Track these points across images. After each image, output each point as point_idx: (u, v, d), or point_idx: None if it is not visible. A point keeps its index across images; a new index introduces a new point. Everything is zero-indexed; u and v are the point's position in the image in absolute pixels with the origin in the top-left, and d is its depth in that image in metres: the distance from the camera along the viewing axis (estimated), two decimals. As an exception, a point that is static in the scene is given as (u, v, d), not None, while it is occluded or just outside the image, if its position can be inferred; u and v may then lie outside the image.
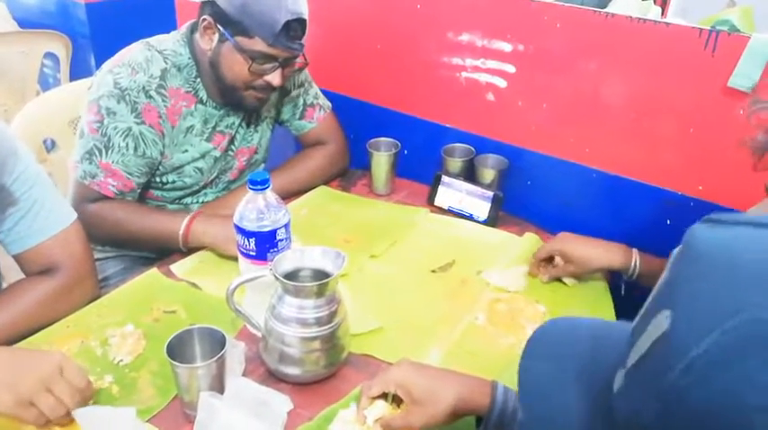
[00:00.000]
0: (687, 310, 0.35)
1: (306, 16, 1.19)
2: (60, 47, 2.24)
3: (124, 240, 1.28)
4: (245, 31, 1.17)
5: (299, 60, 1.28)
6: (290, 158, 1.50)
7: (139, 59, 1.23)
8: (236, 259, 1.06)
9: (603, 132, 1.27)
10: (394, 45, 1.50)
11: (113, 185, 1.22)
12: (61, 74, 2.29)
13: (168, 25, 1.51)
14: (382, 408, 0.83)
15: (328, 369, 0.93)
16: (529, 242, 1.30)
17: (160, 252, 1.31)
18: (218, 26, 1.20)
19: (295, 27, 1.19)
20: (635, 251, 1.14)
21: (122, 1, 2.33)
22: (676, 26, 1.13)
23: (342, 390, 0.93)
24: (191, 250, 1.23)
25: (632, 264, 1.13)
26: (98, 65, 2.03)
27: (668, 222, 1.25)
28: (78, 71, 2.30)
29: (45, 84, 2.40)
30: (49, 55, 2.29)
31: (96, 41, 2.29)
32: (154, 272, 1.17)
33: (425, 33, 1.43)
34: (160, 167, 1.29)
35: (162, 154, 1.27)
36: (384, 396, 0.85)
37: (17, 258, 1.03)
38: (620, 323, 0.49)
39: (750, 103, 1.07)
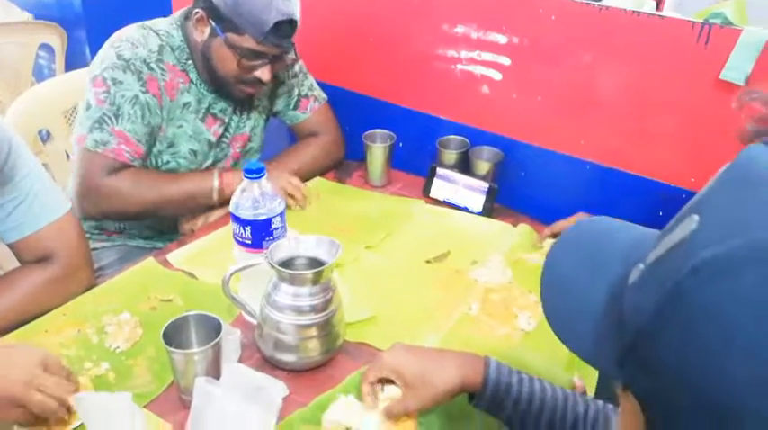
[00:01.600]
0: (714, 216, 0.35)
1: (296, 17, 1.21)
2: (56, 38, 2.24)
3: (156, 206, 1.27)
4: (236, 28, 1.19)
5: (291, 56, 1.30)
6: (285, 149, 1.51)
7: (137, 36, 1.26)
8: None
9: (597, 124, 1.28)
10: (389, 37, 1.51)
11: (128, 152, 1.23)
12: (56, 65, 2.28)
13: (163, 16, 1.52)
14: (394, 390, 0.83)
15: (323, 356, 0.94)
16: (523, 233, 1.31)
17: (161, 232, 1.37)
18: (210, 21, 1.22)
19: (284, 27, 1.20)
20: None
21: (118, -8, 2.32)
22: (670, 19, 1.14)
23: (336, 378, 0.94)
24: (222, 204, 1.29)
25: None
26: (93, 56, 2.02)
27: (660, 214, 1.26)
28: (73, 62, 2.29)
29: (40, 75, 2.40)
30: (44, 46, 2.28)
31: (91, 33, 2.29)
32: (150, 261, 1.18)
33: (420, 25, 1.44)
34: (157, 143, 1.31)
35: (159, 126, 1.29)
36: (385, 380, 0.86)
37: (13, 247, 1.03)
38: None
39: (741, 95, 1.08)
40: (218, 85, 1.31)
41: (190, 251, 1.22)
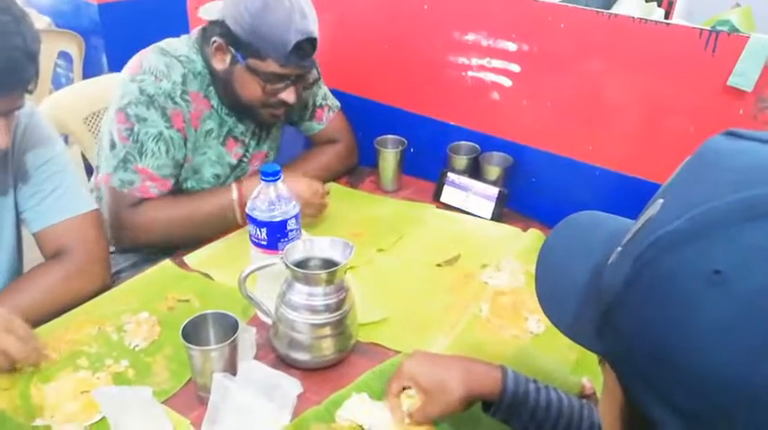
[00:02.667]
0: (673, 198, 0.40)
1: (315, 34, 1.20)
2: (74, 46, 2.29)
3: (181, 232, 1.25)
4: (257, 53, 1.18)
5: (314, 74, 1.29)
6: (300, 155, 1.53)
7: (160, 66, 1.22)
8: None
9: (606, 130, 1.30)
10: (401, 45, 1.53)
11: (154, 187, 1.22)
12: (74, 73, 2.33)
13: (180, 25, 1.54)
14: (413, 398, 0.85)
15: (337, 355, 0.96)
16: (533, 237, 1.33)
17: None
18: (230, 48, 1.20)
19: (305, 46, 1.19)
20: None
21: (134, 1, 2.38)
22: (677, 26, 1.16)
23: (350, 376, 0.96)
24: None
25: None
26: (110, 64, 2.06)
27: (669, 219, 1.27)
28: (90, 70, 2.34)
29: (57, 83, 2.45)
30: (63, 54, 2.33)
31: (108, 41, 2.34)
32: (167, 263, 1.21)
33: (432, 33, 1.47)
34: (182, 172, 1.30)
35: (185, 157, 1.28)
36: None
37: (36, 237, 1.09)
38: None
39: (757, 101, 1.10)
40: (242, 110, 1.30)
41: (206, 253, 1.25)
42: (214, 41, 1.21)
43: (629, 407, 0.42)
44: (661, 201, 0.41)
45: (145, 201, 1.22)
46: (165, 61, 1.23)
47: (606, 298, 0.42)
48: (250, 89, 1.24)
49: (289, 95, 1.25)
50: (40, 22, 2.45)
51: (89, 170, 1.62)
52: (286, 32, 1.16)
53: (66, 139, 1.76)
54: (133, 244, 1.27)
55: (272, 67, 1.20)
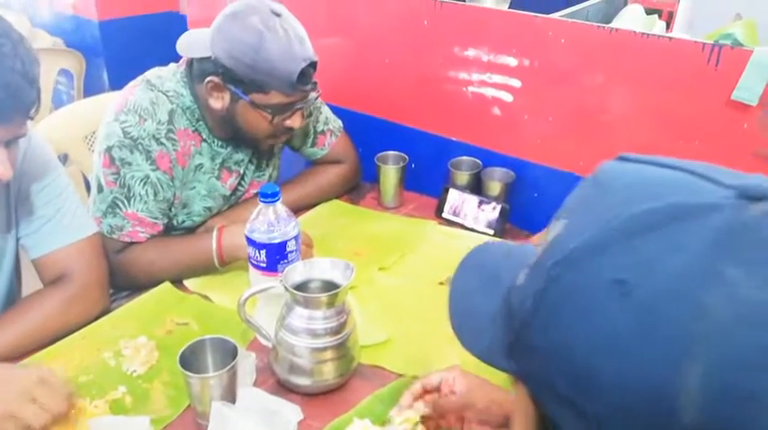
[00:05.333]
0: (574, 219, 0.42)
1: (315, 57, 1.17)
2: (75, 64, 2.29)
3: (164, 276, 1.21)
4: (260, 87, 1.15)
5: (314, 94, 1.25)
6: (303, 173, 1.52)
7: (145, 104, 1.18)
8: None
9: (609, 145, 1.29)
10: (401, 60, 1.53)
11: (143, 232, 1.19)
12: (75, 91, 2.33)
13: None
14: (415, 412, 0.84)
15: (338, 379, 0.95)
16: (536, 254, 1.31)
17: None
18: (229, 86, 1.16)
19: (309, 71, 1.16)
20: None
21: (134, 19, 2.38)
22: (680, 40, 1.15)
23: (352, 401, 0.94)
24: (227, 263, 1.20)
25: None
26: (111, 81, 2.05)
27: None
28: (91, 88, 2.34)
29: (58, 101, 2.45)
30: (63, 72, 2.33)
31: (109, 59, 2.34)
32: (166, 285, 1.19)
33: (432, 49, 1.46)
34: (171, 208, 1.27)
35: (174, 195, 1.25)
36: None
37: (35, 264, 1.07)
38: None
39: (761, 117, 1.08)
40: (244, 143, 1.28)
41: (206, 274, 1.23)
42: (209, 81, 1.16)
43: (542, 423, 0.42)
44: (564, 221, 0.42)
45: (128, 246, 1.19)
46: (152, 97, 1.19)
47: (517, 317, 0.43)
48: (256, 124, 1.20)
49: (294, 121, 1.22)
50: (45, 41, 2.46)
51: (89, 187, 1.61)
52: (288, 62, 1.12)
53: (65, 158, 1.76)
54: (119, 286, 1.23)
55: (277, 98, 1.16)
